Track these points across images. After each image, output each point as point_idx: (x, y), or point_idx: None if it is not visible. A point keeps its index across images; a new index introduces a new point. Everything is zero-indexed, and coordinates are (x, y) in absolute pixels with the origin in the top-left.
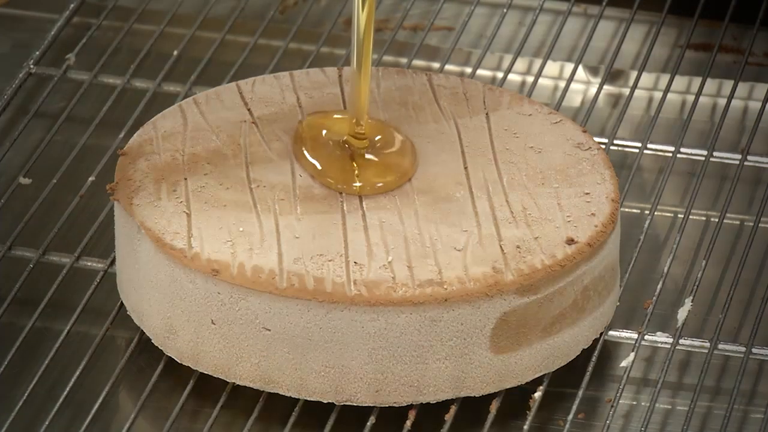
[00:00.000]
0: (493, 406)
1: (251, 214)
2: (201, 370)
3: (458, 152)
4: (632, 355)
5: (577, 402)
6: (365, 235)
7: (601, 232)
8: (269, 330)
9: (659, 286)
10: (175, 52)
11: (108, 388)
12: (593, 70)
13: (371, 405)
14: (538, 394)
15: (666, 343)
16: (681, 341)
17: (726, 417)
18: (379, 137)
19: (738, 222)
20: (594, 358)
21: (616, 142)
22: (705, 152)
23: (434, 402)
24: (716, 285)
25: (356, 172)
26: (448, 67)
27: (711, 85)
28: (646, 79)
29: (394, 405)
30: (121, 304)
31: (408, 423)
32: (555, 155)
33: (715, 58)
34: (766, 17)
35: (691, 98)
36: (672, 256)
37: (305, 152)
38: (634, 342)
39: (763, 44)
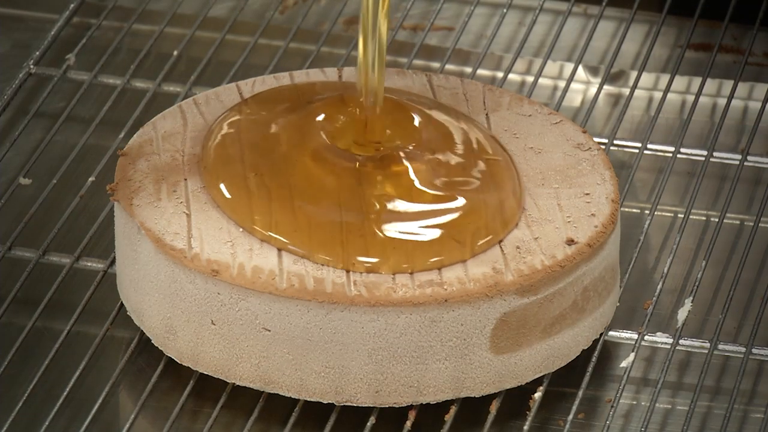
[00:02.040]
0: (493, 407)
1: None
2: (201, 371)
3: None
4: (632, 355)
5: (577, 402)
6: None
7: (601, 233)
8: (269, 330)
9: (659, 286)
10: (175, 52)
11: (108, 388)
12: (593, 70)
13: (371, 405)
14: (538, 395)
15: (666, 343)
16: (681, 341)
17: (726, 417)
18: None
19: (738, 222)
20: (594, 359)
21: (616, 142)
22: (705, 152)
23: (434, 402)
24: (716, 285)
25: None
26: (448, 67)
27: (711, 85)
28: (646, 79)
29: (394, 405)
30: (121, 304)
31: (408, 423)
32: (555, 156)
33: (715, 58)
34: (766, 17)
35: (691, 98)
36: (672, 256)
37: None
38: (634, 342)
39: (763, 44)
